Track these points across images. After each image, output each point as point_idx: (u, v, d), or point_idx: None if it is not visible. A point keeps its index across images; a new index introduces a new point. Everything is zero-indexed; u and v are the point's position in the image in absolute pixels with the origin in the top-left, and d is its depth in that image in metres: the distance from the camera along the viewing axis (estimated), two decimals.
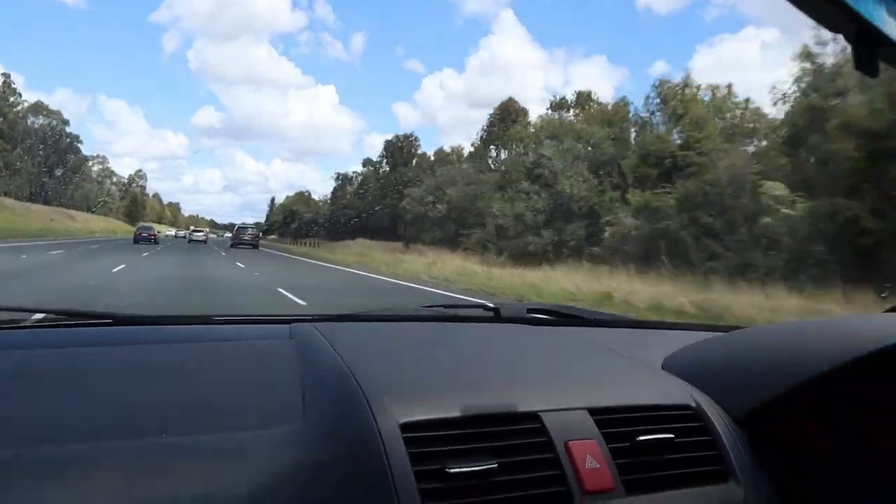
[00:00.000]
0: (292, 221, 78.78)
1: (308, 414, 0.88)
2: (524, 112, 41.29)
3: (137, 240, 35.53)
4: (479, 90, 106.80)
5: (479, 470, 0.82)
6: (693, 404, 1.02)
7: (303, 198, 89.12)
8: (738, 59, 56.08)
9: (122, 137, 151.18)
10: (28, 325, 1.22)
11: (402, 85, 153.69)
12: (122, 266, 14.79)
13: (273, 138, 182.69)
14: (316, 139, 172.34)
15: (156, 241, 36.34)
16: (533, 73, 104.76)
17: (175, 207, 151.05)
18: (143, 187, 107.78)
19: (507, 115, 41.17)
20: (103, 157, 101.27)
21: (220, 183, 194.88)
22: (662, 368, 1.19)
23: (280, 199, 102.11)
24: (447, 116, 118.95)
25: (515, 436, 0.88)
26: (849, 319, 1.27)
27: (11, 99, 71.86)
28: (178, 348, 1.13)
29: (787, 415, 1.02)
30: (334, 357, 1.03)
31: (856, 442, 1.02)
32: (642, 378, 1.13)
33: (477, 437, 0.85)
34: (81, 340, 1.13)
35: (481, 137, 42.95)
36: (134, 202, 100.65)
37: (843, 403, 1.03)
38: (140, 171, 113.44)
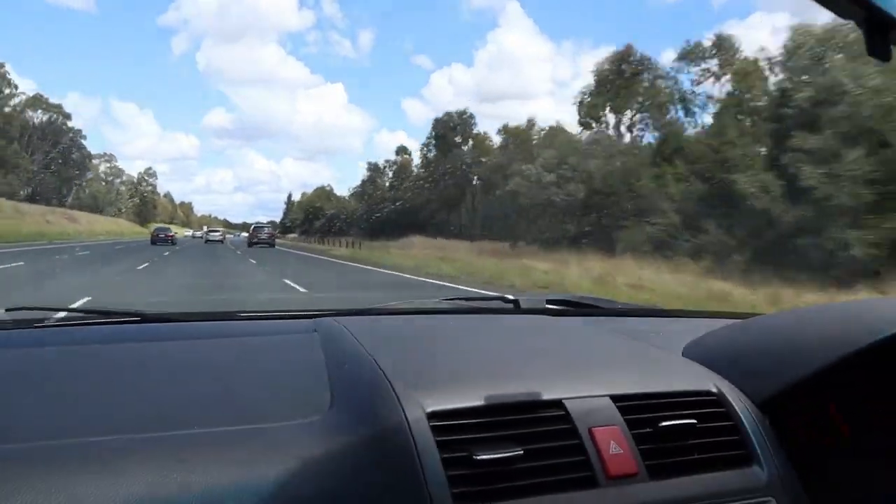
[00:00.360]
0: (315, 218, 71.62)
1: (336, 404, 0.90)
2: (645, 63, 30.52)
3: (155, 241, 35.28)
4: (487, 84, 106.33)
5: (505, 457, 0.84)
6: (714, 390, 1.04)
7: (324, 193, 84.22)
8: (747, 45, 54.36)
9: (133, 140, 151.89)
10: (58, 323, 1.25)
11: (410, 81, 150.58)
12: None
13: (283, 138, 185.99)
14: (326, 138, 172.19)
15: (174, 242, 36.16)
16: (541, 66, 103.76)
17: (188, 207, 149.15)
18: (154, 187, 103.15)
19: (627, 64, 30.83)
20: (110, 154, 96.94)
21: (232, 183, 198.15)
22: (683, 356, 1.20)
23: (297, 197, 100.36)
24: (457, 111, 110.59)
25: (540, 423, 0.90)
26: (871, 303, 1.25)
27: (7, 91, 63.33)
28: (205, 344, 1.17)
29: (810, 399, 1.04)
30: (359, 349, 1.05)
31: (878, 426, 1.04)
32: (664, 365, 1.15)
33: (502, 425, 0.88)
34: (110, 337, 1.18)
35: (583, 101, 32.81)
36: (144, 202, 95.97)
37: (865, 388, 1.04)
38: (150, 168, 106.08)
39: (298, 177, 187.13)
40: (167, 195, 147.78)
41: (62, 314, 1.32)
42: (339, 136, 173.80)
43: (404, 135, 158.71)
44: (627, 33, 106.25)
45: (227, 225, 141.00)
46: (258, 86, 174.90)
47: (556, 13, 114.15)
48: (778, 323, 1.30)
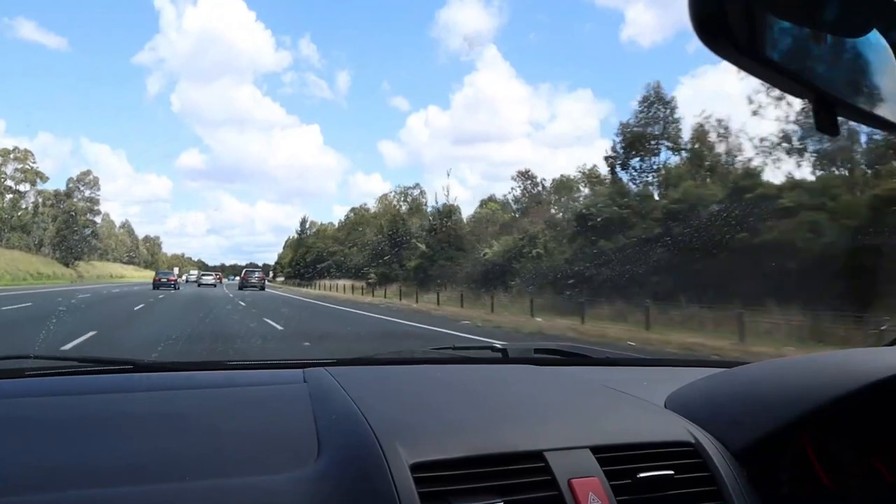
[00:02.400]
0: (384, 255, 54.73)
1: (322, 457, 0.95)
2: None
3: (157, 285, 37.06)
4: (463, 126, 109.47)
5: None
6: (692, 440, 1.08)
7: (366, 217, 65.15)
8: (719, 89, 56.00)
9: (104, 182, 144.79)
10: (50, 371, 1.29)
11: (387, 123, 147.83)
12: None
13: (258, 180, 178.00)
14: (301, 180, 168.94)
15: (176, 287, 37.64)
16: (518, 109, 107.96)
17: (154, 244, 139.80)
18: (94, 203, 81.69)
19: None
20: (25, 151, 69.46)
21: (205, 225, 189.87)
22: (665, 405, 1.24)
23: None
24: (432, 153, 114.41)
25: (521, 474, 0.94)
26: (851, 353, 1.27)
27: None
28: (196, 394, 1.21)
29: (790, 449, 1.07)
30: (347, 401, 1.10)
31: (860, 474, 1.08)
32: (644, 415, 1.19)
33: (484, 477, 0.92)
34: (102, 387, 1.23)
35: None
36: (69, 227, 69.65)
37: (846, 437, 1.09)
38: (89, 174, 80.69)
39: (273, 220, 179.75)
40: (125, 225, 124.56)
41: (55, 362, 1.37)
42: (314, 179, 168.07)
43: (380, 177, 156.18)
44: (604, 77, 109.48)
45: (203, 266, 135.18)
46: (233, 127, 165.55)
47: (534, 57, 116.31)
48: (757, 373, 1.33)
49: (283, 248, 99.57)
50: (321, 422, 1.05)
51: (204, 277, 47.71)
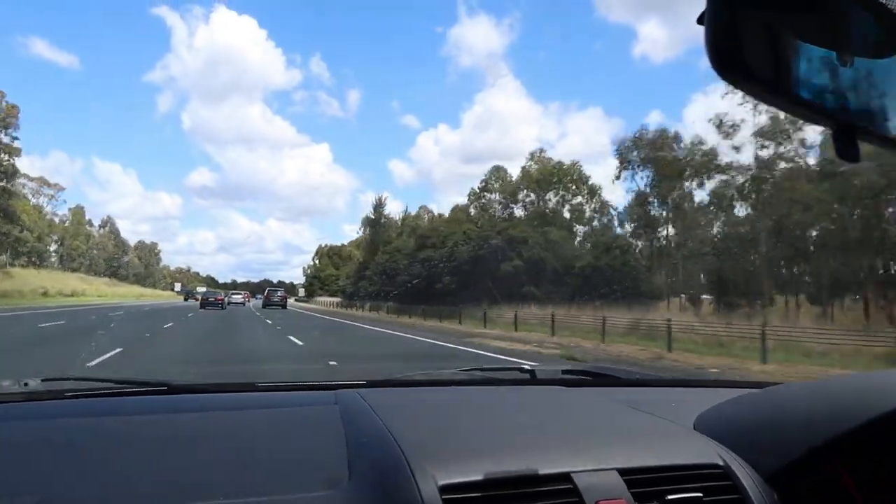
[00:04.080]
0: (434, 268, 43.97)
1: (353, 478, 0.99)
2: None
3: (204, 304, 40.07)
4: (473, 145, 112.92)
5: None
6: (721, 463, 1.09)
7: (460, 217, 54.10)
8: (730, 105, 46.00)
9: (115, 199, 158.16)
10: (89, 392, 1.36)
11: (397, 141, 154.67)
12: None
13: (267, 198, 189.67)
14: (310, 198, 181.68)
15: (223, 307, 40.09)
16: (528, 127, 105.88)
17: (149, 251, 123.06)
18: (52, 196, 59.07)
19: None
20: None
21: (214, 243, 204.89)
22: (694, 427, 1.27)
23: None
24: (442, 172, 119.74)
25: (548, 496, 0.96)
26: (888, 374, 1.24)
27: None
28: (228, 415, 1.27)
29: (822, 471, 1.07)
30: (377, 423, 1.14)
31: (893, 496, 1.07)
32: (672, 437, 1.21)
33: (512, 498, 0.95)
34: (138, 408, 1.31)
35: None
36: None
37: (880, 459, 1.08)
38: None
39: (282, 238, 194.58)
40: (107, 224, 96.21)
41: (93, 383, 1.43)
42: (324, 197, 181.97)
43: (390, 195, 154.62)
44: (615, 94, 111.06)
45: (213, 283, 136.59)
46: (243, 145, 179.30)
47: (544, 75, 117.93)
48: (789, 394, 1.34)
49: (318, 256, 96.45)
50: (352, 443, 1.09)
51: (233, 297, 50.36)
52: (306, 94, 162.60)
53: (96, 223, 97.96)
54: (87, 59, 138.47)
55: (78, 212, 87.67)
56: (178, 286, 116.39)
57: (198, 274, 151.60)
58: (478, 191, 53.52)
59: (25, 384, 1.39)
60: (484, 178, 53.92)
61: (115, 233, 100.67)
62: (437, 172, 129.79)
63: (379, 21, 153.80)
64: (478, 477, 0.95)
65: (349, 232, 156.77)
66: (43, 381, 1.40)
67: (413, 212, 68.36)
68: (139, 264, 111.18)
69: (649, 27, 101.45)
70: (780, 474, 1.07)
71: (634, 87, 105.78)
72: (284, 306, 45.77)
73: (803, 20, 0.51)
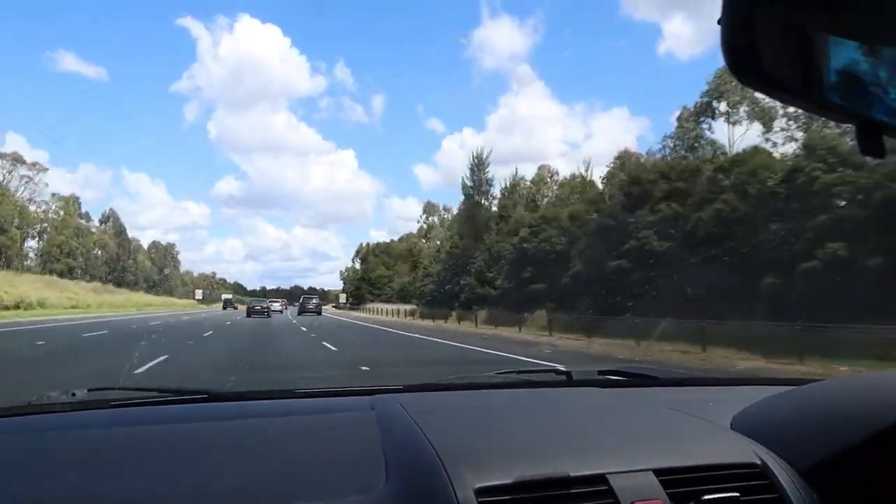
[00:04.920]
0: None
1: (389, 482, 1.05)
2: None
3: (250, 313, 43.09)
4: (498, 148, 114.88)
5: None
6: (758, 462, 1.15)
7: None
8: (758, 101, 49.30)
9: (144, 210, 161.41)
10: (133, 402, 1.46)
11: (422, 146, 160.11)
12: None
13: (294, 205, 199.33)
14: (336, 205, 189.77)
15: (268, 315, 43.56)
16: (553, 128, 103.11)
17: (166, 252, 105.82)
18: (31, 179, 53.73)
19: None
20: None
21: (242, 251, 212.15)
22: (732, 426, 1.34)
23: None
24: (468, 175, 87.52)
25: (584, 498, 1.02)
26: None
27: None
28: (267, 422, 1.35)
29: (861, 467, 1.12)
30: (413, 427, 1.21)
31: None
32: (708, 437, 1.28)
33: (548, 500, 1.02)
34: (180, 417, 1.39)
35: None
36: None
37: None
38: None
39: (308, 245, 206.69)
40: (108, 217, 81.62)
41: (137, 393, 1.54)
42: (349, 204, 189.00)
43: (415, 200, 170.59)
44: (640, 91, 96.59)
45: (240, 290, 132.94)
46: (269, 153, 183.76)
47: (569, 76, 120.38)
48: (826, 391, 1.40)
49: (359, 256, 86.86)
50: (388, 447, 1.15)
51: (273, 304, 52.96)
52: (331, 101, 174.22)
53: (96, 218, 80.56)
54: (115, 72, 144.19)
55: (69, 202, 70.96)
56: (199, 293, 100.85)
57: (224, 281, 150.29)
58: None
59: (73, 394, 1.52)
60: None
61: (119, 230, 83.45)
62: (463, 175, 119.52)
63: (402, 26, 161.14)
64: (514, 480, 1.01)
65: (376, 237, 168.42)
66: (89, 391, 1.53)
67: (524, 177, 50.85)
68: (152, 268, 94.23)
69: (675, 24, 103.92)
70: (818, 472, 1.13)
71: (660, 86, 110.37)
72: (319, 313, 50.66)
73: (828, 13, 0.51)
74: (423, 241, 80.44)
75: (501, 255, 37.70)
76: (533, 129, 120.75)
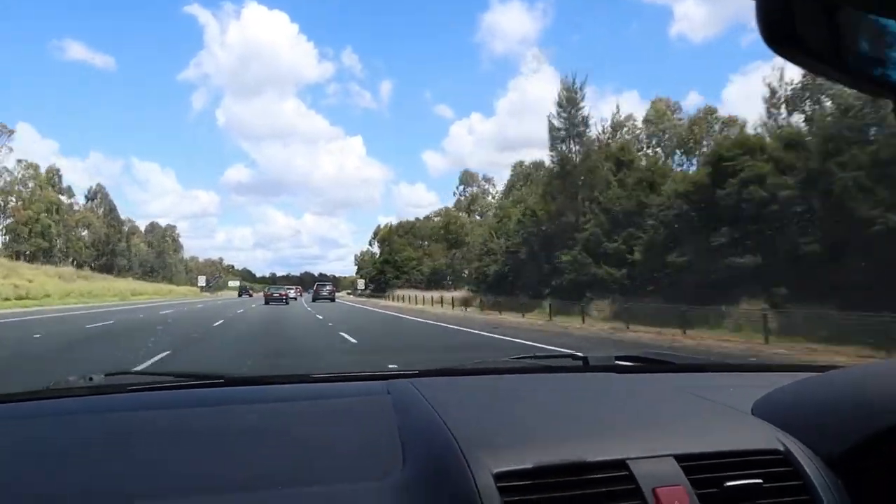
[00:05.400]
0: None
1: (407, 466, 1.09)
2: None
3: (268, 300, 44.49)
4: (507, 133, 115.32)
5: None
6: (781, 448, 1.18)
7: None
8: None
9: (154, 199, 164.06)
10: (149, 386, 1.52)
11: (430, 132, 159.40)
12: None
13: (303, 192, 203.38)
14: (345, 192, 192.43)
15: (286, 302, 44.86)
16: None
17: (164, 234, 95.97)
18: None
19: None
20: None
21: (251, 239, 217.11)
22: (753, 412, 1.37)
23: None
24: (476, 162, 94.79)
25: (604, 483, 1.05)
26: None
27: None
28: (283, 406, 1.40)
29: (888, 456, 1.14)
30: (430, 411, 1.25)
31: None
32: (730, 423, 1.31)
33: (567, 486, 1.04)
34: (197, 401, 1.44)
35: None
36: None
37: None
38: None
39: (318, 232, 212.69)
40: (96, 193, 68.07)
41: (153, 377, 1.60)
42: (358, 190, 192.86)
43: (423, 187, 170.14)
44: (651, 76, 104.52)
45: (249, 277, 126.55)
46: (277, 140, 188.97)
47: (578, 59, 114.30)
48: (851, 377, 1.38)
49: (378, 237, 78.57)
50: (405, 432, 1.19)
51: (290, 292, 53.48)
52: (339, 87, 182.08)
53: (80, 195, 69.98)
54: (123, 60, 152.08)
55: (48, 173, 59.85)
56: (202, 280, 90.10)
57: (232, 267, 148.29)
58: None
59: (90, 379, 1.58)
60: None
61: (109, 208, 73.29)
62: (472, 162, 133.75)
63: (409, 10, 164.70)
64: (533, 465, 1.03)
65: (385, 223, 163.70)
66: (106, 375, 1.59)
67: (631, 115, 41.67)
68: (148, 251, 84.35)
69: (686, 5, 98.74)
70: (843, 459, 1.15)
71: (670, 69, 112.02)
72: (333, 300, 52.86)
73: None
74: (464, 214, 73.80)
75: (632, 218, 27.07)
76: (543, 113, 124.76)
